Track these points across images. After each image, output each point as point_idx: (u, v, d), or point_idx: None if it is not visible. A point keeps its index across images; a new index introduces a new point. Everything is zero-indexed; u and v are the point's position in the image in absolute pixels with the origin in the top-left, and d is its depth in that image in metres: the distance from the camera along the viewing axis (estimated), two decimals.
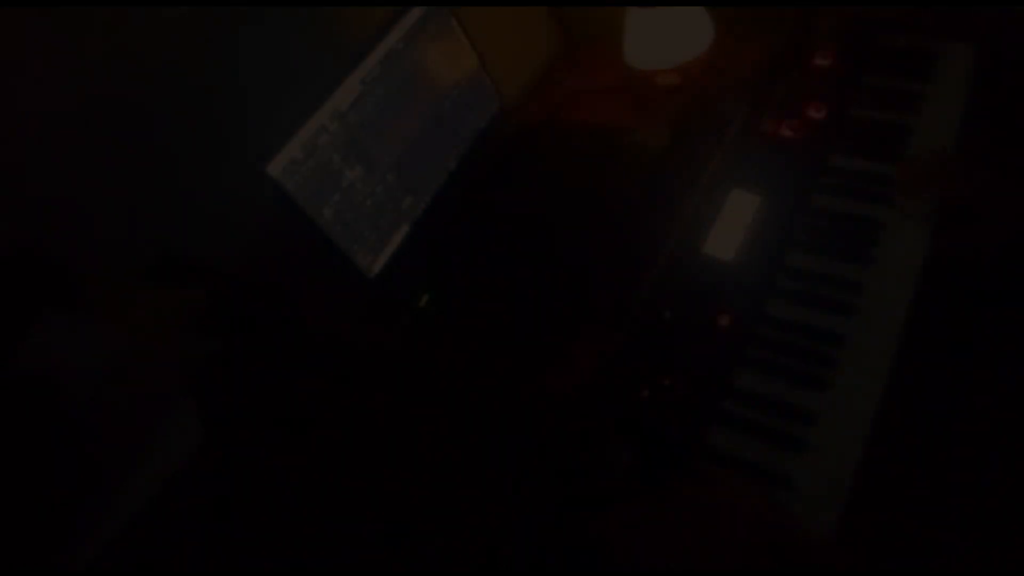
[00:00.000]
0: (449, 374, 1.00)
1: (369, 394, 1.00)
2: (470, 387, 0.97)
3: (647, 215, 1.07)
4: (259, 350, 0.97)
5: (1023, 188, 0.91)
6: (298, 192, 0.91)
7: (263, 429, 0.93)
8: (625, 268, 1.00)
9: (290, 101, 0.95)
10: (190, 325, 0.87)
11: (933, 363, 1.16)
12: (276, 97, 0.99)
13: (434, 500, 0.87)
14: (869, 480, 0.79)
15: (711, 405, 0.87)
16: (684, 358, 0.90)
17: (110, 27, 0.83)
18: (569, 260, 1.08)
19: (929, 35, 1.19)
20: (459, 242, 1.17)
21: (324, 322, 1.06)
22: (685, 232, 1.01)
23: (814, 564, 0.67)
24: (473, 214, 1.20)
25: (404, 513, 0.86)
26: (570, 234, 1.11)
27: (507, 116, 1.28)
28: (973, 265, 1.00)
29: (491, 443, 0.90)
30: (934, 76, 1.14)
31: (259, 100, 0.98)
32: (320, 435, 0.95)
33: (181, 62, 0.90)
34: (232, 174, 0.92)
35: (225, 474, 0.85)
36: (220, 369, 0.88)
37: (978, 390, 1.20)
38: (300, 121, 0.91)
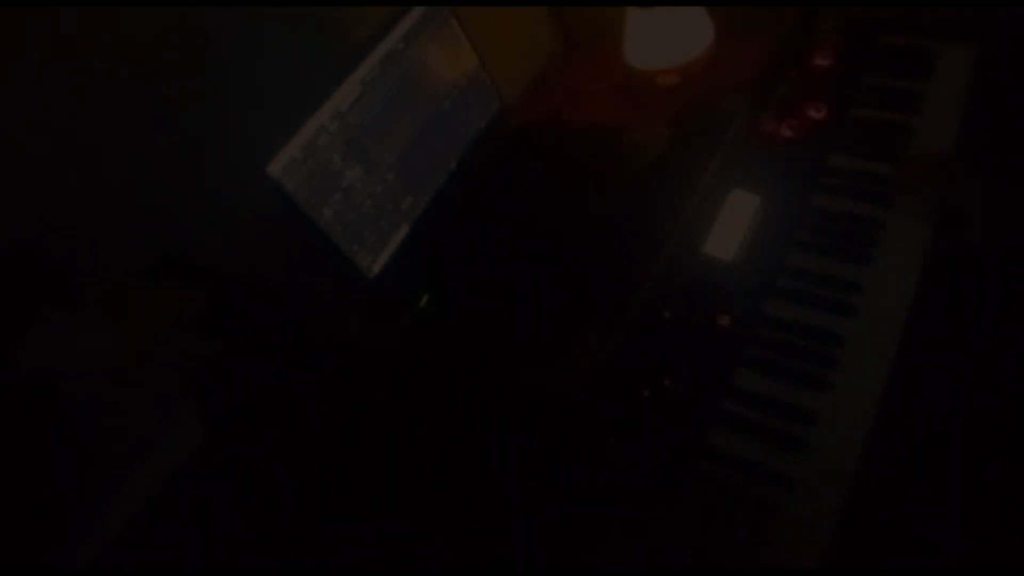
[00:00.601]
0: (449, 374, 1.00)
1: (369, 394, 1.00)
2: (470, 387, 0.97)
3: (647, 215, 1.06)
4: (259, 350, 0.97)
5: (1022, 189, 0.91)
6: (298, 192, 0.91)
7: (263, 429, 0.93)
8: (625, 268, 1.00)
9: (290, 101, 0.95)
10: (190, 325, 0.87)
11: (933, 363, 1.16)
12: (276, 97, 0.99)
13: (434, 500, 0.87)
14: (869, 480, 0.79)
15: (711, 405, 0.87)
16: (684, 358, 0.90)
17: (110, 27, 0.83)
18: (569, 260, 1.08)
19: (929, 35, 1.19)
20: (459, 242, 1.17)
21: (324, 322, 1.06)
22: (685, 232, 1.01)
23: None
24: (473, 214, 1.20)
25: (404, 513, 0.86)
26: (570, 234, 1.11)
27: (507, 116, 1.28)
28: (973, 265, 1.00)
29: (491, 443, 0.90)
30: (934, 76, 1.14)
31: (259, 100, 0.98)
32: (320, 435, 0.95)
33: (181, 62, 0.90)
34: (232, 174, 0.92)
35: (225, 474, 0.85)
36: (220, 369, 0.88)
37: (978, 390, 1.19)
38: (300, 121, 0.92)
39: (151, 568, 0.76)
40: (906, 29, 1.21)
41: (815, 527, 0.75)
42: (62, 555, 0.70)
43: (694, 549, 0.76)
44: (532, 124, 1.34)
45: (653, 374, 0.89)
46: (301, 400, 0.98)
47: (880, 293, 0.92)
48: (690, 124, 1.19)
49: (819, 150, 1.09)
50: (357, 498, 0.88)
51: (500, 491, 0.85)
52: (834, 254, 0.97)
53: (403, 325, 1.06)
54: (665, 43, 1.22)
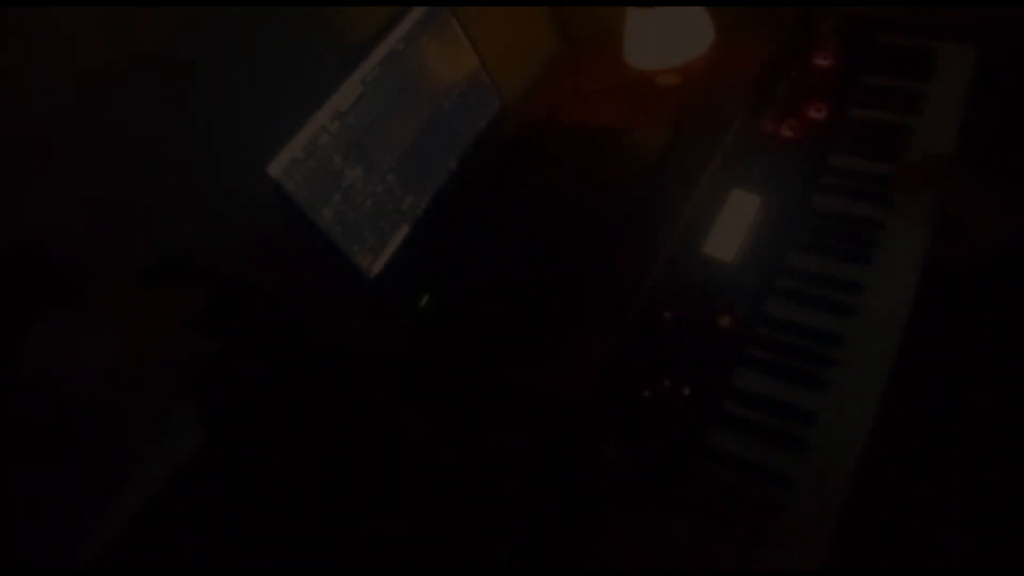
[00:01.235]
0: (449, 374, 1.00)
1: (369, 394, 1.00)
2: (470, 387, 0.97)
3: (647, 215, 1.06)
4: (259, 350, 0.97)
5: (1021, 190, 0.91)
6: (298, 192, 0.91)
7: (263, 429, 0.93)
8: (625, 268, 1.00)
9: (291, 101, 0.95)
10: (190, 325, 0.87)
11: (933, 363, 1.16)
12: (277, 97, 0.99)
13: (434, 500, 0.87)
14: (869, 480, 0.79)
15: (711, 405, 0.87)
16: (684, 358, 0.90)
17: (111, 27, 0.83)
18: (569, 260, 1.08)
19: (929, 35, 1.19)
20: (459, 242, 1.17)
21: (324, 322, 1.06)
22: (685, 232, 1.01)
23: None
24: (473, 214, 1.20)
25: (404, 513, 0.86)
26: (570, 234, 1.11)
27: (507, 116, 1.28)
28: (972, 267, 1.00)
29: (491, 443, 0.90)
30: (934, 76, 1.14)
31: (260, 100, 0.98)
32: (320, 435, 0.95)
33: (182, 62, 0.90)
34: (232, 174, 0.92)
35: (225, 474, 0.85)
36: (220, 369, 0.88)
37: (978, 390, 1.19)
38: (300, 121, 0.91)
39: (151, 568, 0.76)
40: (906, 29, 1.21)
41: (815, 527, 0.75)
42: (62, 555, 0.70)
43: (694, 549, 0.76)
44: (532, 124, 1.34)
45: (653, 374, 0.89)
46: (301, 400, 0.98)
47: (880, 293, 0.92)
48: (690, 124, 1.19)
49: (819, 150, 1.09)
50: (357, 498, 0.88)
51: (500, 491, 0.85)
52: (834, 254, 0.97)
53: (403, 325, 1.06)
54: (665, 43, 1.22)
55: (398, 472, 0.90)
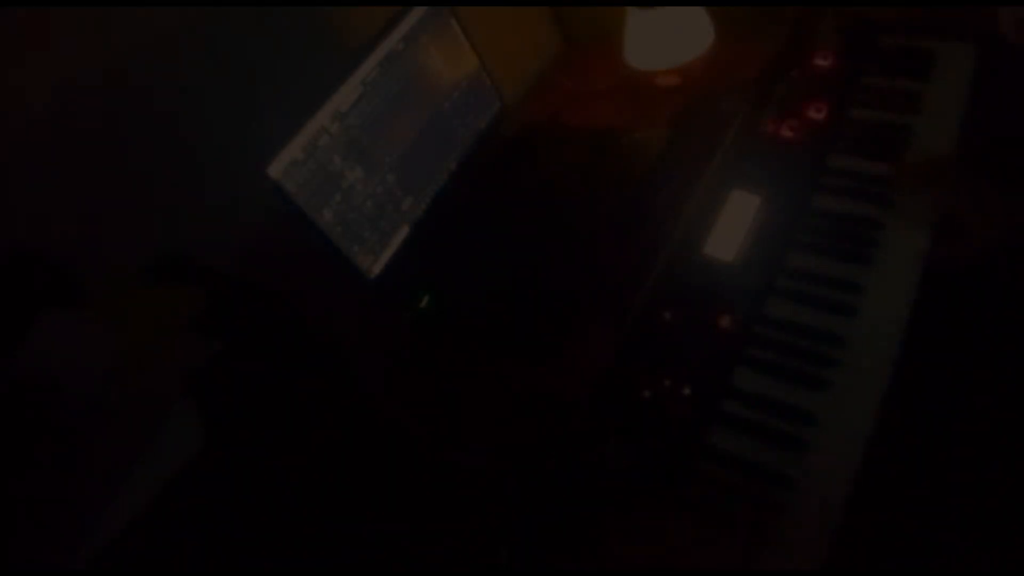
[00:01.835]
0: (449, 374, 1.00)
1: (369, 394, 1.00)
2: (470, 387, 0.97)
3: (647, 215, 1.06)
4: (259, 350, 0.97)
5: (1021, 191, 0.91)
6: (298, 193, 0.91)
7: (263, 429, 0.92)
8: (625, 268, 1.00)
9: (291, 102, 0.95)
10: (190, 325, 0.87)
11: (933, 363, 1.16)
12: (277, 98, 0.99)
13: (434, 500, 0.87)
14: (869, 480, 0.79)
15: (711, 406, 0.87)
16: (684, 359, 0.90)
17: (111, 28, 0.83)
18: (569, 261, 1.08)
19: (929, 35, 1.19)
20: (459, 243, 1.17)
21: (324, 322, 1.06)
22: (685, 232, 1.01)
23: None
24: (473, 215, 1.20)
25: (404, 513, 0.86)
26: (570, 235, 1.11)
27: (507, 116, 1.28)
28: (973, 266, 1.00)
29: (491, 443, 0.90)
30: (934, 76, 1.14)
31: (260, 101, 0.98)
32: (320, 435, 0.95)
33: (182, 63, 0.90)
34: (233, 175, 0.92)
35: (225, 474, 0.85)
36: (220, 369, 0.88)
37: (978, 390, 1.19)
38: (300, 122, 0.91)
39: (151, 568, 0.76)
40: (906, 29, 1.21)
41: (815, 527, 0.75)
42: (62, 555, 0.70)
43: (694, 549, 0.76)
44: (532, 124, 1.34)
45: (653, 374, 0.89)
46: (301, 400, 0.98)
47: (881, 293, 0.92)
48: (690, 124, 1.19)
49: (819, 150, 1.09)
50: (357, 498, 0.88)
51: (500, 491, 0.85)
52: (834, 255, 0.97)
53: (403, 325, 1.06)
54: (665, 43, 1.22)
55: (398, 472, 0.90)
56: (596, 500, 0.81)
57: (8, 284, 0.76)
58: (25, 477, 0.71)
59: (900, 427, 1.02)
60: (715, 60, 1.24)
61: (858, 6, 1.24)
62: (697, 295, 0.95)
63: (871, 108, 1.13)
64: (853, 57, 1.19)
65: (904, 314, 0.89)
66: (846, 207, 1.02)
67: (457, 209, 1.19)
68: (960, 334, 1.22)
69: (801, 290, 0.95)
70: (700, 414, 0.86)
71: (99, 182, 0.85)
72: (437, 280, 1.11)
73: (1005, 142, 1.07)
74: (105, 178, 0.86)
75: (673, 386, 0.87)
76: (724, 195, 1.03)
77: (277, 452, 0.92)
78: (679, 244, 1.00)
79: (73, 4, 0.79)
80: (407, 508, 0.86)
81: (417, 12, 1.06)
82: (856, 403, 0.83)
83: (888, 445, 0.85)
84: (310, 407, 0.98)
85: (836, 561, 0.73)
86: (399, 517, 0.86)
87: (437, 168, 1.15)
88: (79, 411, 0.74)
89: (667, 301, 0.95)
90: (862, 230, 0.99)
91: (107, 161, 0.85)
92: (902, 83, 1.14)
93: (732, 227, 1.00)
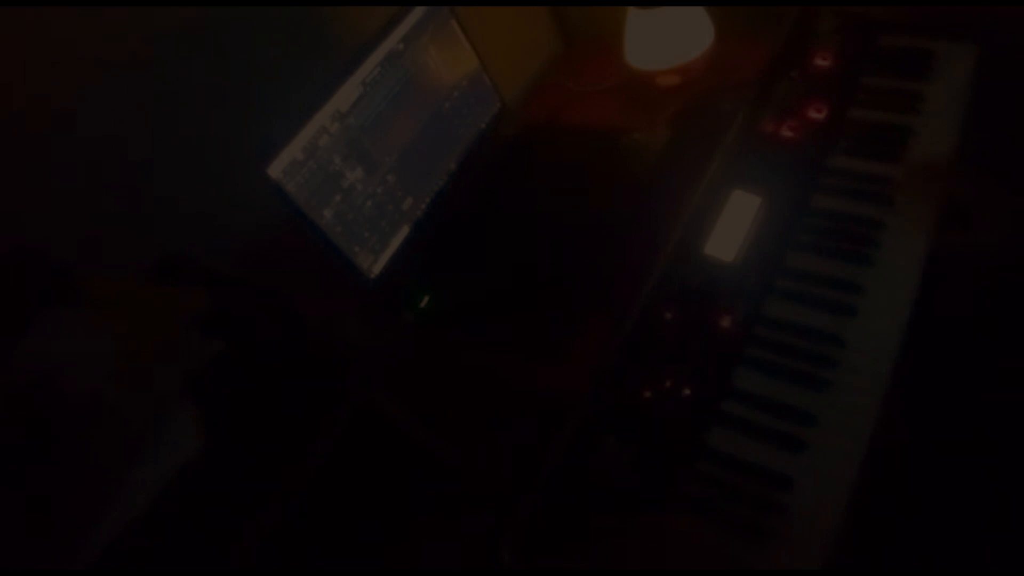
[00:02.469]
0: (449, 374, 1.00)
1: (369, 394, 1.00)
2: (470, 387, 0.97)
3: (647, 215, 1.06)
4: (260, 351, 0.97)
5: (1021, 191, 0.91)
6: (298, 193, 0.91)
7: (263, 429, 0.92)
8: (625, 268, 1.00)
9: (291, 102, 0.95)
10: (191, 325, 0.87)
11: (934, 364, 1.16)
12: (277, 98, 0.99)
13: (434, 500, 0.87)
14: (869, 480, 0.79)
15: (712, 406, 0.87)
16: (685, 359, 0.90)
17: (110, 27, 0.83)
18: (569, 261, 1.08)
19: (929, 35, 1.19)
20: (460, 243, 1.17)
21: (324, 322, 1.06)
22: (685, 232, 1.01)
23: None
24: (473, 215, 1.20)
25: (404, 513, 0.86)
26: (570, 235, 1.11)
27: (507, 116, 1.28)
28: (974, 266, 1.00)
29: (491, 443, 0.90)
30: (934, 76, 1.14)
31: (260, 101, 0.98)
32: (320, 435, 0.95)
33: (181, 63, 0.90)
34: (233, 175, 0.92)
35: (225, 474, 0.85)
36: (221, 370, 0.88)
37: (978, 390, 1.19)
38: (300, 122, 0.92)
39: (151, 568, 0.76)
40: (906, 29, 1.21)
41: (815, 527, 0.75)
42: (62, 555, 0.70)
43: (694, 550, 0.76)
44: (532, 124, 1.34)
45: (653, 374, 0.89)
46: (301, 400, 0.98)
47: (881, 294, 0.92)
48: (690, 124, 1.19)
49: (819, 150, 1.09)
50: (357, 498, 0.88)
51: (499, 491, 0.85)
52: (835, 255, 0.97)
53: (403, 325, 1.06)
54: (665, 43, 1.22)
55: (398, 472, 0.90)
56: (596, 500, 0.81)
57: (8, 284, 0.76)
58: (24, 477, 0.71)
59: (901, 427, 1.02)
60: (715, 60, 1.24)
61: (858, 6, 1.24)
62: (697, 295, 0.95)
63: (871, 108, 1.13)
64: (853, 57, 1.19)
65: (904, 314, 0.89)
66: (846, 207, 1.02)
67: (457, 209, 1.19)
68: (960, 334, 1.22)
69: (801, 290, 0.95)
70: (700, 414, 0.86)
71: (99, 182, 0.85)
72: (437, 280, 1.11)
73: (1005, 142, 1.07)
74: (105, 178, 0.86)
75: (673, 386, 0.87)
76: (724, 195, 1.03)
77: (277, 452, 0.92)
78: (679, 244, 1.00)
79: (73, 4, 0.79)
80: (407, 508, 0.86)
81: (417, 12, 1.06)
82: (856, 403, 0.83)
83: (888, 445, 0.85)
84: (310, 407, 0.98)
85: (836, 561, 0.73)
86: (399, 517, 0.86)
87: (437, 168, 1.15)
88: (79, 411, 0.74)
89: (667, 301, 0.95)
90: (862, 230, 0.99)
91: (108, 160, 0.85)
92: (902, 83, 1.14)
93: (732, 227, 1.00)
